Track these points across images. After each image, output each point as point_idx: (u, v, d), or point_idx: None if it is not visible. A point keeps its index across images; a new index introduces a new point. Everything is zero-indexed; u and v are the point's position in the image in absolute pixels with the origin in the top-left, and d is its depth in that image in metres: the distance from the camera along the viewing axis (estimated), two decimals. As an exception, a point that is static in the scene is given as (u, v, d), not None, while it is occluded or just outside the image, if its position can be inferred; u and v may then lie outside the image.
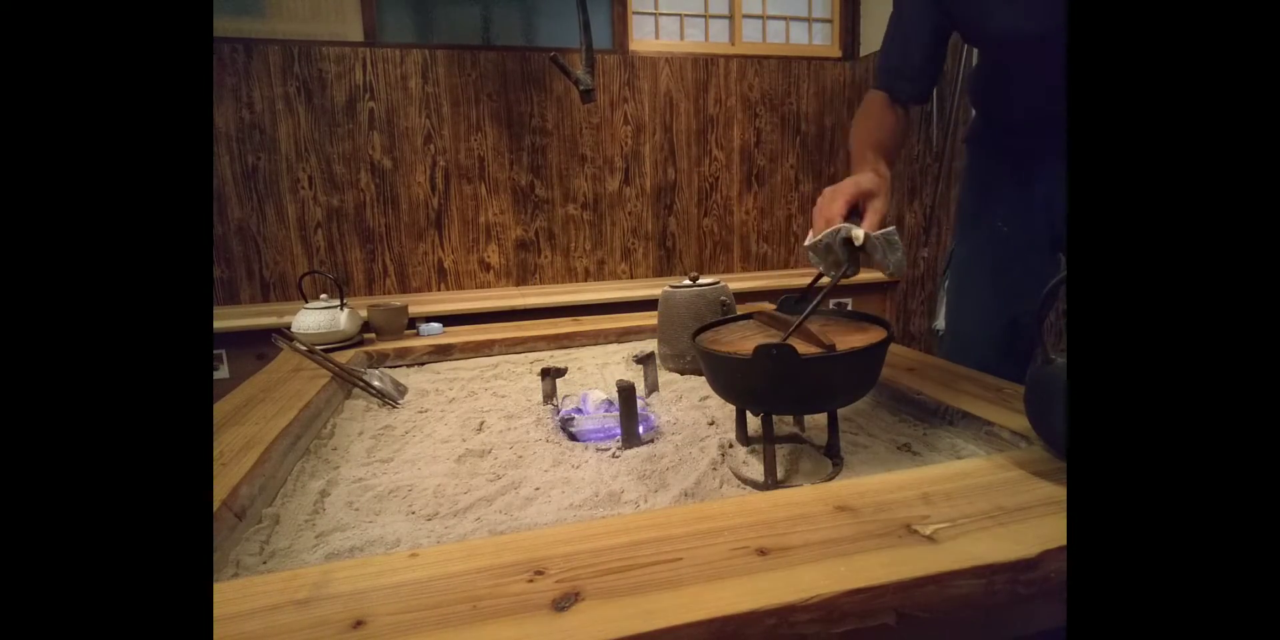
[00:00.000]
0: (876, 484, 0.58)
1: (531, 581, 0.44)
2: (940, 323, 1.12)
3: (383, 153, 2.29)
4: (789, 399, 0.69)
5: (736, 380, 0.70)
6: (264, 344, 1.51)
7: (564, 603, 0.41)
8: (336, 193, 2.28)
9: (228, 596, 0.44)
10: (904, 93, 0.95)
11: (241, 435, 0.79)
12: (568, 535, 0.50)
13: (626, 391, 0.81)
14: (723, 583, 0.42)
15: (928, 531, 0.48)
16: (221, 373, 1.88)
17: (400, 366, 1.28)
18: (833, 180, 2.83)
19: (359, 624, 0.40)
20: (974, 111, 1.12)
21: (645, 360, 1.05)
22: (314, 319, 1.28)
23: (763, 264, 2.79)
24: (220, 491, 0.63)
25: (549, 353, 1.36)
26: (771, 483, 0.68)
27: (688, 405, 0.97)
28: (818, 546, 0.47)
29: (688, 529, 0.50)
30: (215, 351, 1.86)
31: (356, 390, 1.09)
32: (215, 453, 0.74)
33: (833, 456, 0.73)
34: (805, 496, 0.55)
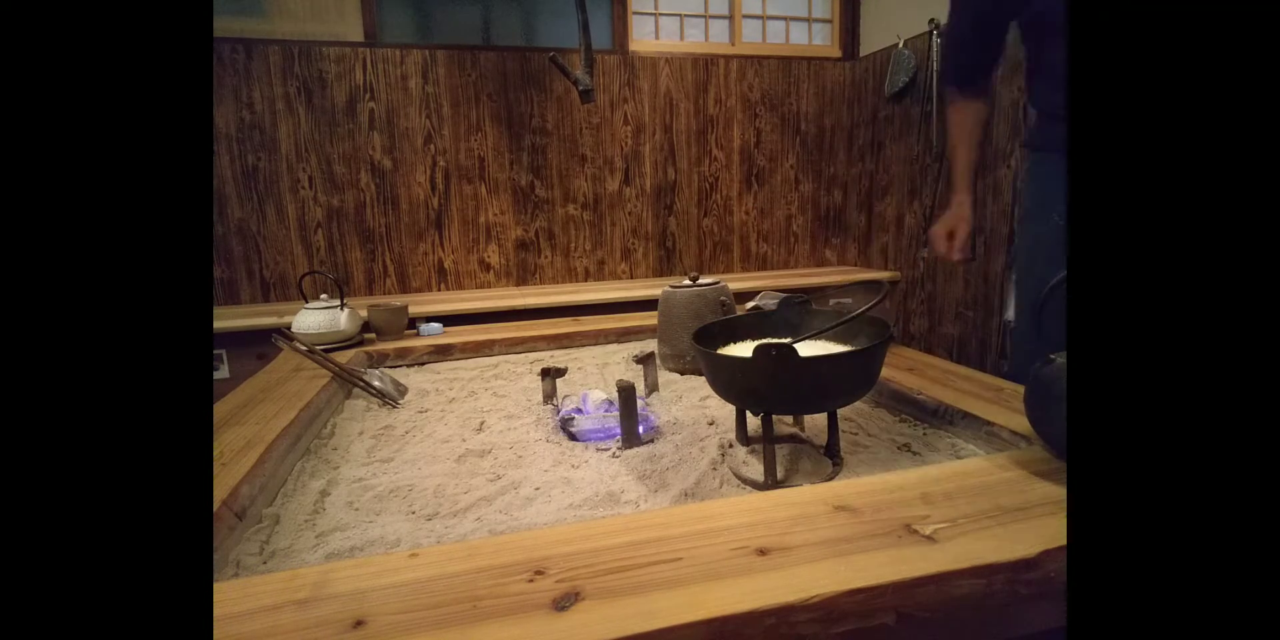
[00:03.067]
0: (876, 484, 0.58)
1: (531, 581, 0.44)
2: (1010, 314, 1.17)
3: (383, 153, 2.29)
4: (789, 399, 0.69)
5: (736, 380, 0.70)
6: (264, 344, 1.51)
7: (564, 603, 0.41)
8: (336, 193, 2.28)
9: (228, 596, 0.44)
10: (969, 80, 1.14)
11: (241, 435, 0.79)
12: (568, 535, 0.50)
13: (626, 391, 0.81)
14: (723, 583, 0.42)
15: (928, 531, 0.48)
16: (221, 373, 1.88)
17: (400, 366, 1.28)
18: (832, 180, 2.82)
19: (359, 624, 0.40)
20: (1033, 112, 1.16)
21: (645, 360, 1.05)
22: (314, 319, 1.28)
23: (763, 264, 2.79)
24: (220, 491, 0.63)
25: (549, 353, 1.36)
26: (771, 483, 0.68)
27: (688, 405, 0.97)
28: (818, 546, 0.47)
29: (688, 529, 0.50)
30: (215, 351, 1.86)
31: (356, 390, 1.09)
32: (215, 453, 0.74)
33: (833, 456, 0.73)
34: (805, 496, 0.55)
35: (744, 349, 0.79)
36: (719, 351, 0.78)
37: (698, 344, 0.73)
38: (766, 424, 0.67)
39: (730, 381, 0.71)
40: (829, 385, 0.67)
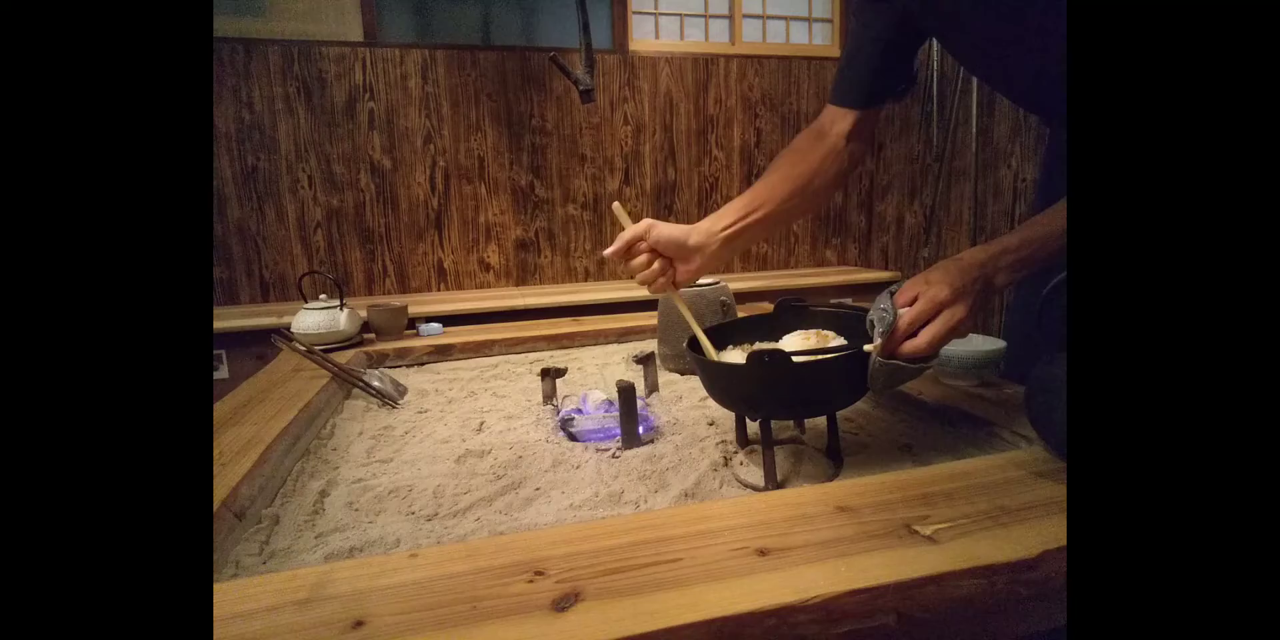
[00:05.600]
0: (876, 484, 0.57)
1: (531, 582, 0.43)
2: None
3: (382, 153, 2.29)
4: (785, 404, 0.69)
5: (732, 387, 0.70)
6: (264, 344, 1.51)
7: (564, 603, 0.41)
8: (336, 193, 2.28)
9: (228, 596, 0.44)
10: (845, 97, 0.91)
11: (241, 435, 0.79)
12: (567, 536, 0.50)
13: (626, 392, 0.81)
14: (723, 583, 0.42)
15: (928, 532, 0.48)
16: (221, 373, 1.88)
17: (400, 367, 1.28)
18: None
19: (359, 624, 0.40)
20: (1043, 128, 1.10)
21: (645, 360, 1.04)
22: (313, 319, 1.28)
23: (763, 264, 2.79)
24: (220, 491, 0.63)
25: (549, 353, 1.36)
26: (772, 487, 0.68)
27: (688, 405, 0.97)
28: (818, 547, 0.47)
29: (688, 529, 0.50)
30: (215, 351, 1.86)
31: (356, 390, 1.09)
32: (215, 453, 0.74)
33: (833, 458, 0.73)
34: (805, 497, 0.55)
35: (740, 355, 0.79)
36: (714, 358, 0.78)
37: (692, 351, 0.73)
38: (765, 429, 0.67)
39: (726, 389, 0.70)
40: (825, 390, 0.67)
